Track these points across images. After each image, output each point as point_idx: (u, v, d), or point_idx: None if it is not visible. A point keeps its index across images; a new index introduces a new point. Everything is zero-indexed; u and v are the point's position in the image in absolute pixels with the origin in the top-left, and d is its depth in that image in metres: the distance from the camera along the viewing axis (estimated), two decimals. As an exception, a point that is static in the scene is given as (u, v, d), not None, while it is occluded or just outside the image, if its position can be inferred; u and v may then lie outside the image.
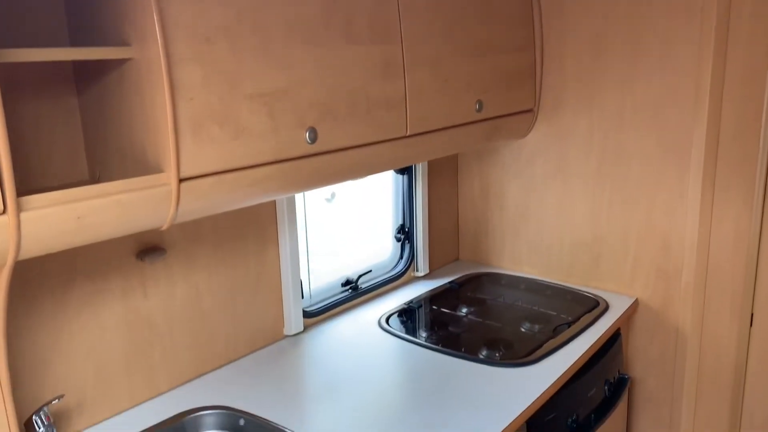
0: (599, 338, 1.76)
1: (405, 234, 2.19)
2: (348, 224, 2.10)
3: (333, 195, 2.21)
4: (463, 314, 1.96)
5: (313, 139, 1.31)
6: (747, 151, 1.76)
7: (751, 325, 1.85)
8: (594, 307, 1.93)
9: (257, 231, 1.68)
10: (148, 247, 1.44)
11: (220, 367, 1.64)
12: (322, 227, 1.97)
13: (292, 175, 1.30)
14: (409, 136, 1.56)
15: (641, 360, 2.03)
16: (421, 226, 2.18)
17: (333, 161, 1.38)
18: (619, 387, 1.90)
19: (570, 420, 1.66)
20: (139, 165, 1.14)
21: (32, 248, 0.97)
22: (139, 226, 1.10)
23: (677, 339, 1.95)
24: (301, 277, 1.82)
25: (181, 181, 1.11)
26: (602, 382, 1.81)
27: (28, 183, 1.18)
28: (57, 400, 1.23)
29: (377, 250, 2.19)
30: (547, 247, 2.16)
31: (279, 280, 1.75)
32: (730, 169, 1.79)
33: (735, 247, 1.82)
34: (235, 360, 1.67)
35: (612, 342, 1.88)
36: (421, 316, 1.97)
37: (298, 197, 1.88)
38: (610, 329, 1.82)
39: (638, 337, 2.03)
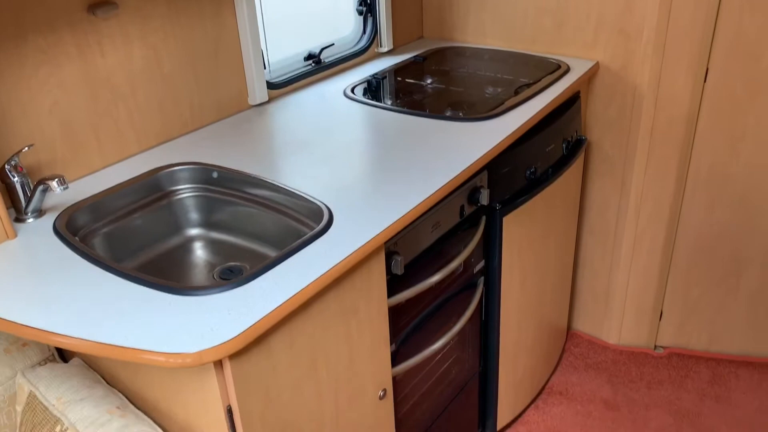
0: (559, 96, 1.80)
1: (367, 6, 2.13)
2: (309, 3, 2.02)
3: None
4: (428, 83, 1.97)
5: None
6: None
7: (705, 80, 1.91)
8: (555, 70, 1.95)
9: (212, -8, 1.61)
10: (98, 0, 1.37)
11: (188, 133, 1.65)
12: (282, 7, 1.90)
13: None
14: None
15: (599, 123, 2.11)
16: (384, -3, 2.11)
17: None
18: (576, 147, 1.99)
19: (529, 171, 1.75)
20: None
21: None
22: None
23: (634, 99, 2.01)
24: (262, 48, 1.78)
25: None
26: (560, 140, 1.88)
27: None
28: (27, 149, 1.24)
29: (339, 24, 2.13)
30: (510, 16, 2.13)
31: (239, 47, 1.72)
32: None
33: (696, 1, 1.82)
34: (202, 127, 1.69)
35: (571, 103, 1.94)
36: (386, 86, 1.98)
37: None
38: (570, 89, 1.87)
39: (597, 101, 2.08)
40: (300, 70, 1.96)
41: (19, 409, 1.22)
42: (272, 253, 1.38)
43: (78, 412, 1.13)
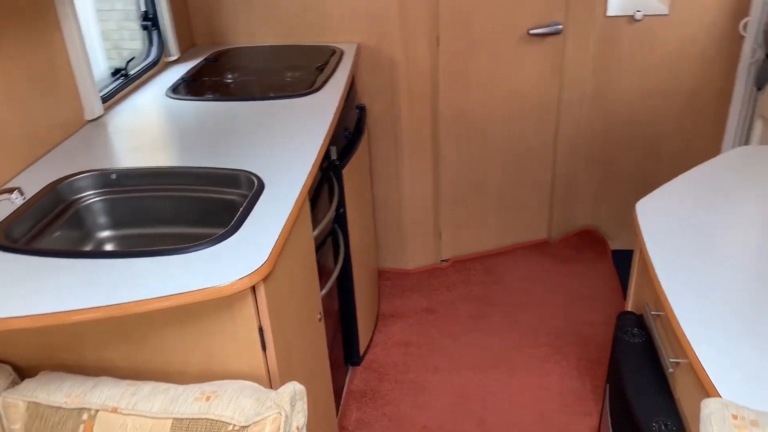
0: (350, 71, 2.23)
1: (151, 21, 2.28)
2: (92, 20, 2.10)
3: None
4: (234, 78, 2.23)
5: None
6: None
7: (438, 45, 2.53)
8: (334, 53, 2.38)
9: (36, 15, 1.65)
10: (-39, 28, 1.37)
11: (46, 153, 1.67)
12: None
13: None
14: None
15: (369, 92, 2.60)
16: (166, 8, 2.28)
17: None
18: (362, 112, 2.45)
19: (347, 132, 2.15)
20: None
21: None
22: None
23: (392, 68, 2.55)
24: (81, 66, 1.85)
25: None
26: (355, 107, 2.33)
27: None
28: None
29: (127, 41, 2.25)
30: (278, 16, 2.49)
31: (69, 65, 1.77)
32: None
33: (422, -14, 2.42)
34: (56, 146, 1.71)
35: (351, 81, 2.39)
36: (199, 85, 2.18)
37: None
38: (354, 66, 2.31)
39: (365, 74, 2.57)
40: (114, 85, 2.05)
41: (16, 426, 1.22)
42: (197, 231, 1.55)
43: (99, 395, 1.21)
